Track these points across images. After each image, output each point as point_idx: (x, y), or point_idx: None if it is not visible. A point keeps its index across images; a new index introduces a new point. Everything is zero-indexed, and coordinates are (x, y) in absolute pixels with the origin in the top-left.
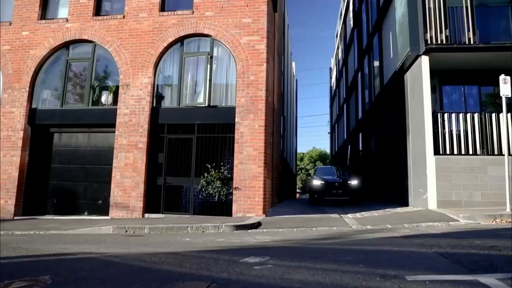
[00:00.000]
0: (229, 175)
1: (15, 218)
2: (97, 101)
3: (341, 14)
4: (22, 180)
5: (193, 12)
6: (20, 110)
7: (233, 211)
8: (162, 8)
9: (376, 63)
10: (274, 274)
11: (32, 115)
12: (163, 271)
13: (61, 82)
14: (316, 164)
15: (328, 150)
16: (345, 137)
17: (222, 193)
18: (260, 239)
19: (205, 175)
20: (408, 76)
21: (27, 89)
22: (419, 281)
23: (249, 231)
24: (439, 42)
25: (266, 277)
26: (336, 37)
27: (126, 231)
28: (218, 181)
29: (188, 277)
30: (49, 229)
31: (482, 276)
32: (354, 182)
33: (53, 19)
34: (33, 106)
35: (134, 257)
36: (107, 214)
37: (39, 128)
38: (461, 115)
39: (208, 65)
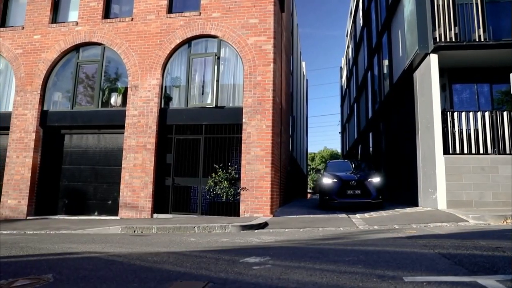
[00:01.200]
0: (237, 176)
1: (28, 218)
2: (106, 103)
3: (351, 13)
4: (34, 181)
5: (200, 13)
6: (32, 112)
7: (240, 211)
8: (170, 10)
9: (386, 62)
10: (272, 274)
11: (44, 117)
12: (163, 270)
13: (72, 84)
14: None
15: (339, 150)
16: (355, 136)
17: (229, 194)
18: (264, 239)
19: (213, 176)
20: (417, 74)
21: (39, 91)
22: (417, 282)
23: (255, 231)
24: (448, 39)
25: (264, 277)
26: (346, 36)
27: (134, 231)
28: (225, 182)
29: (187, 277)
30: (59, 229)
31: (482, 278)
32: (375, 179)
33: (63, 22)
34: (45, 108)
35: (136, 256)
36: (116, 214)
37: (51, 130)
38: (471, 113)
39: (216, 66)
